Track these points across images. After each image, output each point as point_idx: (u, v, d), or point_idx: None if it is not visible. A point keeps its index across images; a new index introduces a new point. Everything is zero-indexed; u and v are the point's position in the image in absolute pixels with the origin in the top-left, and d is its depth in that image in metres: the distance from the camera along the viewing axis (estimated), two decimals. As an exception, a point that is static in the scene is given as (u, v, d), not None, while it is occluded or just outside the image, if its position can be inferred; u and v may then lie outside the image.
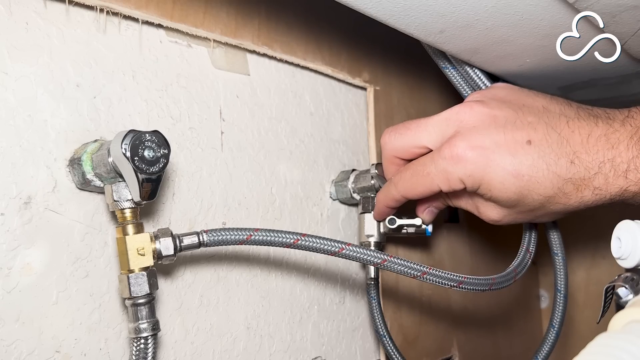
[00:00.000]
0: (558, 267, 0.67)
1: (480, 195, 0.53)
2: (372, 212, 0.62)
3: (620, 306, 0.40)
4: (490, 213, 0.54)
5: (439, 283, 0.54)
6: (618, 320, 0.33)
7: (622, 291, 0.40)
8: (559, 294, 0.67)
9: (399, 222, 0.61)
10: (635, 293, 0.39)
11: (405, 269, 0.53)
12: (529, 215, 0.54)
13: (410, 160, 0.56)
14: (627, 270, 0.41)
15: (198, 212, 0.51)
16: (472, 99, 0.55)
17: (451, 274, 0.54)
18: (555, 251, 0.67)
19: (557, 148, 0.49)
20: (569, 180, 0.49)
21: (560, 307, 0.67)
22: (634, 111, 0.50)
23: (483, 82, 0.62)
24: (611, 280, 0.41)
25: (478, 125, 0.51)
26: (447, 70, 0.60)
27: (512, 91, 0.55)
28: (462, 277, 0.55)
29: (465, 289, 0.55)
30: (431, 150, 0.54)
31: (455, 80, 0.61)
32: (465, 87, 0.61)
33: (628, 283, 0.40)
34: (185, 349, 0.49)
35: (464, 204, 0.57)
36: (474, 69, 0.61)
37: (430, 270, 0.53)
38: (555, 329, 0.67)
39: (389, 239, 0.68)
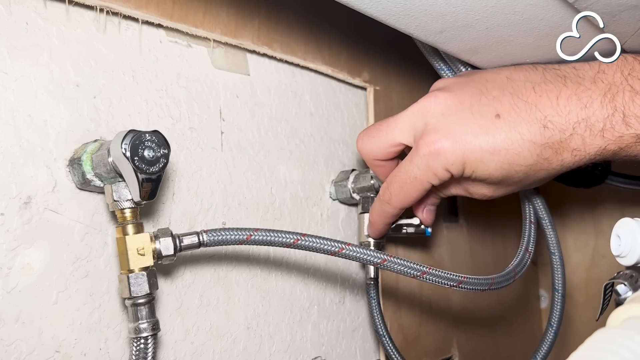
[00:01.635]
0: (555, 266, 0.67)
1: (467, 177, 0.53)
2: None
3: (619, 303, 0.40)
4: (481, 190, 0.55)
5: (438, 283, 0.54)
6: (616, 316, 0.33)
7: (621, 288, 0.40)
8: (556, 294, 0.67)
9: (399, 222, 0.61)
10: (634, 290, 0.39)
11: (405, 269, 0.53)
12: (517, 186, 0.54)
13: (390, 160, 0.57)
14: (627, 267, 0.41)
15: (198, 212, 0.51)
16: (436, 87, 0.55)
17: (451, 274, 0.54)
18: (553, 250, 0.67)
19: (526, 116, 0.49)
20: (546, 145, 0.49)
21: (559, 307, 0.67)
22: (604, 64, 0.49)
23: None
24: (610, 278, 0.41)
25: (445, 111, 0.51)
26: (443, 72, 0.61)
27: (474, 72, 0.55)
28: (462, 277, 0.55)
29: (465, 288, 0.55)
30: (406, 147, 0.55)
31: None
32: None
33: (627, 280, 0.40)
34: (185, 349, 0.49)
35: (454, 190, 0.57)
36: (468, 68, 0.61)
37: (430, 270, 0.53)
38: (554, 328, 0.67)
39: (389, 239, 0.68)
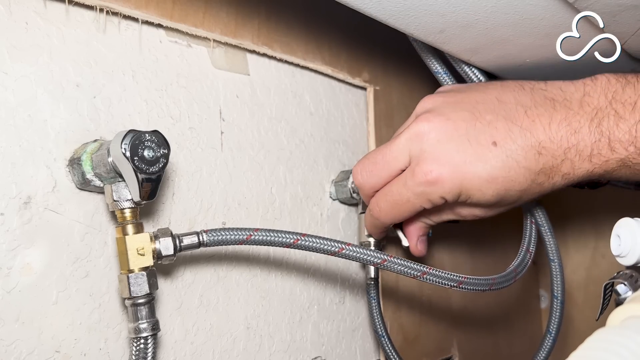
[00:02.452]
0: (555, 273, 0.67)
1: (462, 202, 0.53)
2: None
3: (619, 303, 0.40)
4: (473, 212, 0.55)
5: (439, 283, 0.54)
6: (616, 316, 0.33)
7: (621, 288, 0.40)
8: (555, 300, 0.67)
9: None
10: (634, 290, 0.39)
11: (405, 269, 0.53)
12: (509, 206, 0.55)
13: None
14: (627, 267, 0.41)
15: (198, 212, 0.51)
16: (425, 109, 0.54)
17: (451, 274, 0.54)
18: (552, 258, 0.66)
19: (522, 142, 0.49)
20: (541, 171, 0.50)
21: (557, 313, 0.67)
22: (589, 85, 0.50)
23: (482, 81, 0.62)
24: (610, 278, 0.41)
25: (441, 139, 0.51)
26: (440, 76, 0.61)
27: (461, 91, 0.55)
28: (462, 277, 0.55)
29: (465, 289, 0.55)
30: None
31: (445, 83, 0.61)
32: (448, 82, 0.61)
33: (627, 280, 0.40)
34: (185, 349, 0.49)
35: (446, 216, 0.57)
36: (472, 69, 0.61)
37: (430, 270, 0.53)
38: (552, 335, 0.67)
39: (389, 239, 0.68)
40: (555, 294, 0.67)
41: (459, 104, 0.53)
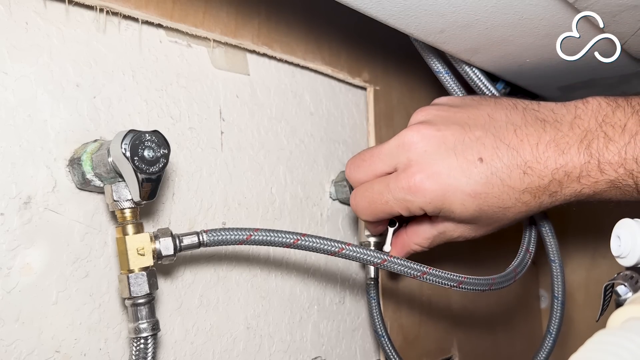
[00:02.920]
0: (555, 274, 0.67)
1: (445, 218, 0.54)
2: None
3: (619, 304, 0.40)
4: (462, 233, 0.56)
5: (439, 283, 0.54)
6: (617, 317, 0.33)
7: (621, 289, 0.40)
8: (556, 301, 0.67)
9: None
10: (635, 291, 0.39)
11: (405, 269, 0.53)
12: (496, 226, 0.55)
13: None
14: (627, 268, 0.41)
15: (198, 212, 0.51)
16: (417, 120, 0.55)
17: (451, 274, 0.54)
18: (553, 258, 0.66)
19: (507, 161, 0.50)
20: (525, 191, 0.50)
21: (558, 314, 0.67)
22: (580, 108, 0.50)
23: (483, 82, 0.62)
24: (610, 279, 0.41)
25: (429, 150, 0.51)
26: (441, 75, 0.61)
27: (454, 105, 0.55)
28: (462, 277, 0.55)
29: (465, 289, 0.55)
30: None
31: (446, 82, 0.61)
32: (456, 90, 0.62)
33: (627, 281, 0.40)
34: (185, 349, 0.49)
35: (437, 240, 0.58)
36: (473, 69, 0.61)
37: (430, 270, 0.53)
38: (553, 335, 0.67)
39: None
40: (556, 295, 0.67)
41: (451, 117, 0.53)
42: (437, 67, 0.61)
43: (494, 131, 0.51)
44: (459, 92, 0.61)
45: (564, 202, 0.52)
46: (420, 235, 0.58)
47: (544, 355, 0.68)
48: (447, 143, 0.51)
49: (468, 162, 0.50)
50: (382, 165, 0.54)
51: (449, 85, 0.62)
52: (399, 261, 0.52)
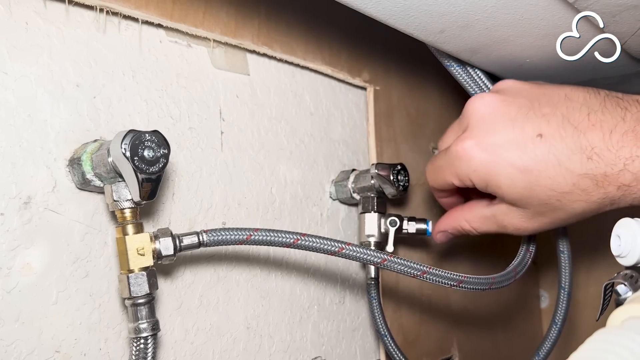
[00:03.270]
0: (563, 264, 0.67)
1: (497, 197, 0.51)
2: (373, 211, 0.62)
3: (619, 303, 0.40)
4: (513, 221, 0.53)
5: (438, 282, 0.54)
6: (617, 316, 0.33)
7: (621, 288, 0.40)
8: (562, 291, 0.67)
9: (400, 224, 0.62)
10: (634, 290, 0.39)
11: (405, 269, 0.53)
12: (552, 217, 0.51)
13: None
14: (627, 267, 0.41)
15: (198, 212, 0.51)
16: (494, 88, 0.55)
17: (451, 274, 0.54)
18: (562, 249, 0.66)
19: (571, 143, 0.47)
20: (585, 176, 0.47)
21: (564, 305, 0.67)
22: None
23: (483, 82, 0.62)
24: (610, 278, 0.41)
25: (487, 118, 0.50)
26: (452, 68, 0.60)
27: (536, 83, 0.53)
28: (462, 276, 0.55)
29: (465, 288, 0.55)
30: None
31: (461, 78, 0.60)
32: (472, 85, 0.61)
33: (627, 280, 0.40)
34: (185, 349, 0.49)
35: (487, 224, 0.55)
36: (474, 68, 0.61)
37: (430, 270, 0.53)
38: (558, 326, 0.67)
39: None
40: (563, 285, 0.67)
41: (524, 91, 0.51)
42: (451, 63, 0.60)
43: (564, 111, 0.49)
44: (477, 90, 0.61)
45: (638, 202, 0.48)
46: (473, 212, 0.56)
47: (548, 345, 0.67)
48: (509, 114, 0.49)
49: (525, 136, 0.48)
50: (453, 133, 0.55)
51: (465, 83, 0.61)
52: (399, 261, 0.52)
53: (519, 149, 0.48)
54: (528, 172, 0.48)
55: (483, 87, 0.62)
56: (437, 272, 0.53)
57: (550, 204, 0.49)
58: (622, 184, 0.47)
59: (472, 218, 0.57)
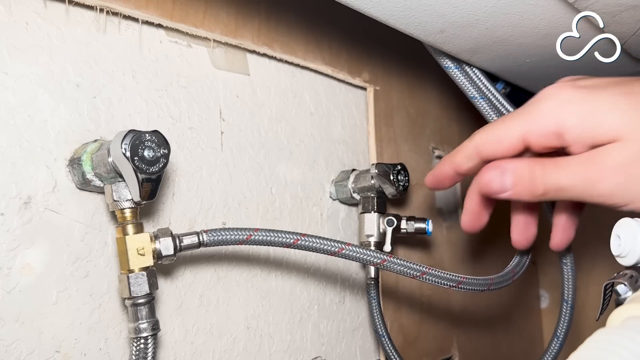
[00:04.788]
0: (566, 277, 0.64)
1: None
2: (373, 211, 0.61)
3: (619, 303, 0.39)
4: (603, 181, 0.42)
5: (438, 283, 0.54)
6: (616, 316, 0.33)
7: (621, 288, 0.40)
8: (565, 304, 0.65)
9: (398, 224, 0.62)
10: (634, 290, 0.39)
11: (405, 269, 0.53)
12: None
13: (541, 155, 0.47)
14: (627, 267, 0.41)
15: (198, 212, 0.51)
16: (564, 79, 0.48)
17: (450, 274, 0.54)
18: (565, 261, 0.64)
19: None
20: None
21: (567, 318, 0.65)
22: None
23: (483, 82, 0.62)
24: (610, 278, 0.41)
25: (561, 87, 0.45)
26: (451, 70, 0.60)
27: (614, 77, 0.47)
28: (461, 277, 0.55)
29: (464, 289, 0.55)
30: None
31: (459, 80, 0.60)
32: (469, 87, 0.61)
33: (627, 280, 0.40)
34: (185, 349, 0.49)
35: (570, 192, 0.44)
36: (473, 68, 0.61)
37: (430, 271, 0.53)
38: (560, 339, 0.65)
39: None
40: (566, 298, 0.64)
41: (599, 79, 0.46)
42: (449, 65, 0.59)
43: None
44: (474, 92, 0.60)
45: None
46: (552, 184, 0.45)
47: (550, 357, 0.66)
48: (599, 84, 0.44)
49: (620, 93, 0.42)
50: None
51: (463, 85, 0.60)
52: (398, 261, 0.52)
53: (607, 93, 0.43)
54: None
55: (482, 87, 0.62)
56: (436, 272, 0.53)
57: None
58: None
59: (556, 193, 0.46)
